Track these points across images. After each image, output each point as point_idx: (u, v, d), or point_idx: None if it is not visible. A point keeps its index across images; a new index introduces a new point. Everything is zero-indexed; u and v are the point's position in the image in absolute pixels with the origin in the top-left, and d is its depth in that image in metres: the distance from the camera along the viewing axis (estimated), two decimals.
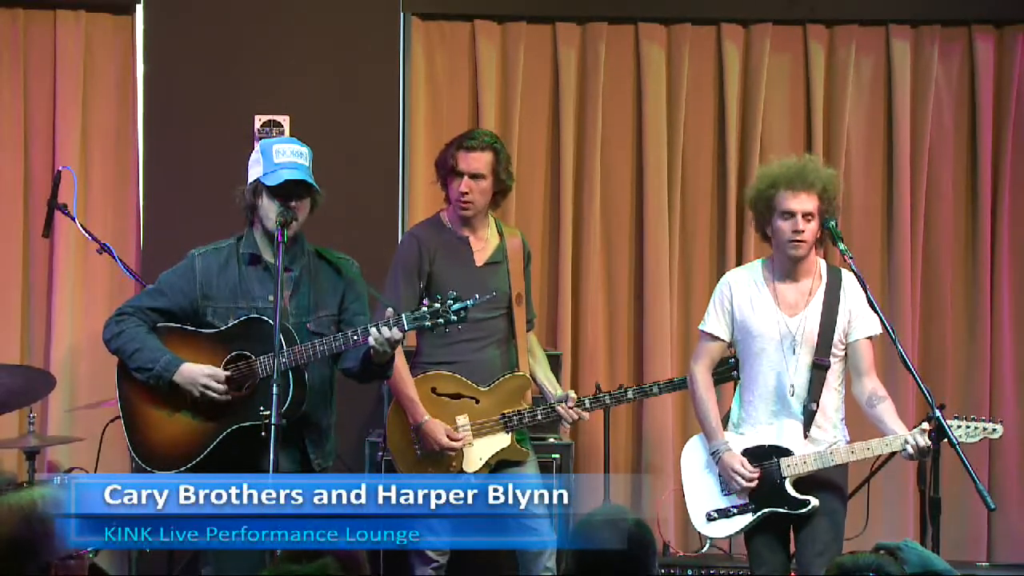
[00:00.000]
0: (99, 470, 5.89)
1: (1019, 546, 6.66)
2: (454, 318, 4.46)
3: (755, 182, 4.97)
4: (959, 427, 4.73)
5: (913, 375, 4.64)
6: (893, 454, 4.93)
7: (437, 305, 4.46)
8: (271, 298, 4.66)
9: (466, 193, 5.16)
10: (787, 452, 4.84)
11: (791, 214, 4.81)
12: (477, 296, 4.53)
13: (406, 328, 4.49)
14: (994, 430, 4.78)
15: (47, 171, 6.37)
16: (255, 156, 4.74)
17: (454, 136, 5.34)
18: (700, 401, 4.98)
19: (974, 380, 6.71)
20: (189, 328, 4.75)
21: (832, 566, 3.27)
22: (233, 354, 4.68)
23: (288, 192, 4.67)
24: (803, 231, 4.80)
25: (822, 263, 4.98)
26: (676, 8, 6.68)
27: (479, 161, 5.17)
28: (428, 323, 4.47)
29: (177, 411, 4.71)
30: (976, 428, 4.76)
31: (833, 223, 4.81)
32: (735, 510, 4.89)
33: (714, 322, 4.99)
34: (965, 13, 6.73)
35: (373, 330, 4.49)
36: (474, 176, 5.16)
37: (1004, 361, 6.71)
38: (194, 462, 4.65)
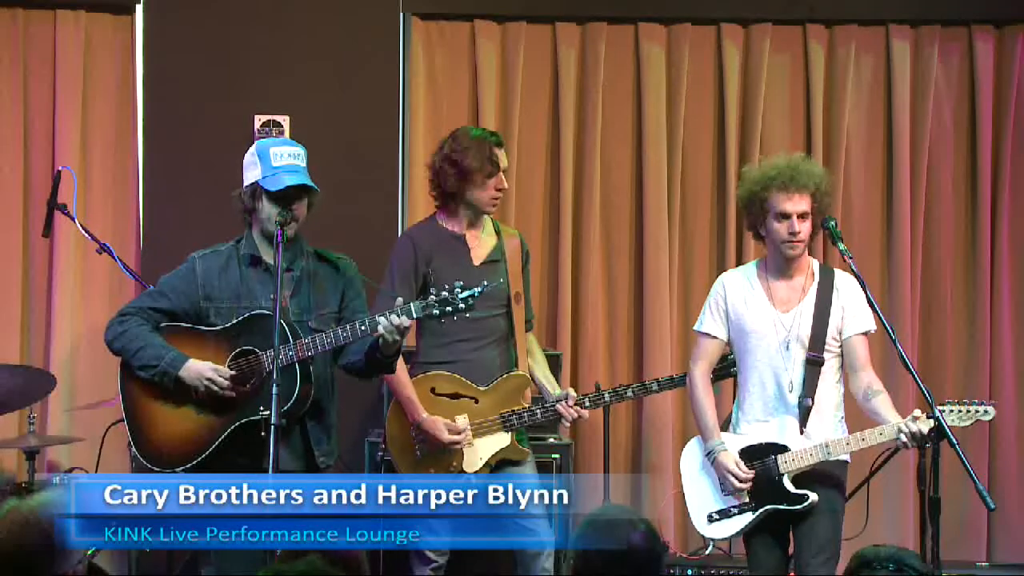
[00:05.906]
0: (99, 472, 5.89)
1: (1019, 546, 6.65)
2: (462, 306, 4.47)
3: (746, 183, 4.96)
4: (951, 411, 4.72)
5: (913, 375, 4.64)
6: (893, 454, 4.93)
7: (445, 293, 4.48)
8: (272, 297, 4.67)
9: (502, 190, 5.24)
10: (784, 449, 4.84)
11: (786, 216, 4.83)
12: (485, 283, 4.54)
13: (414, 316, 4.50)
14: (986, 411, 4.76)
15: (47, 171, 6.36)
16: (250, 158, 4.75)
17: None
18: (697, 402, 4.99)
19: (974, 380, 6.70)
20: (193, 326, 4.76)
21: (853, 557, 3.31)
22: (238, 350, 4.69)
23: (289, 195, 4.68)
24: (799, 232, 4.82)
25: (814, 262, 4.99)
26: (676, 8, 6.68)
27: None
28: (436, 311, 4.48)
29: (182, 408, 4.72)
30: (968, 411, 4.74)
31: (833, 223, 4.83)
32: (735, 510, 4.89)
33: (710, 322, 5.00)
34: (965, 13, 6.72)
35: (382, 319, 4.49)
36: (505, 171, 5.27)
37: (1004, 361, 6.70)
38: (201, 458, 4.65)
